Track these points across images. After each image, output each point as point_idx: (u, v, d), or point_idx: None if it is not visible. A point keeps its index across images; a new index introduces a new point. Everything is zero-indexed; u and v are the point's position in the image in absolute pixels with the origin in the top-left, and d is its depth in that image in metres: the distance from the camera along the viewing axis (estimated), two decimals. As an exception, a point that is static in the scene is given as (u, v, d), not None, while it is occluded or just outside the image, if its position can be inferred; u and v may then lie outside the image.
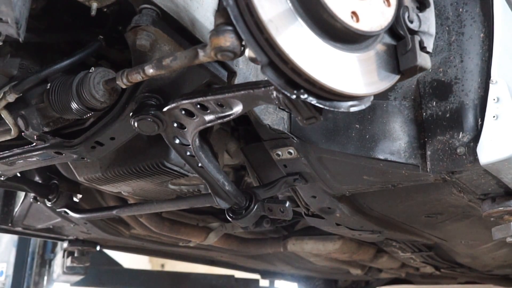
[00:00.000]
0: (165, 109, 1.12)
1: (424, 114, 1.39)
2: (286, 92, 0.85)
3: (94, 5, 1.00)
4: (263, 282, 5.36)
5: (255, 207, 1.54)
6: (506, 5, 1.38)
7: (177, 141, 1.25)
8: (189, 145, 1.24)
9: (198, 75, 1.15)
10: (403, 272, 3.93)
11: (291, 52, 0.80)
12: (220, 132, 1.67)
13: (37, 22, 1.18)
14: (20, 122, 1.19)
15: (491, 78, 1.30)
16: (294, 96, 0.85)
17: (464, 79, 1.34)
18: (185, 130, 1.19)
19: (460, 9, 1.37)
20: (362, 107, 0.93)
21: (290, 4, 0.83)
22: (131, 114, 1.14)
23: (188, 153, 1.30)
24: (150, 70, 0.97)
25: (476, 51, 1.34)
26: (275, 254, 3.47)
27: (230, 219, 1.56)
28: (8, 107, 1.19)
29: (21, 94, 1.15)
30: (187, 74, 1.13)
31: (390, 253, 2.99)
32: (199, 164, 1.34)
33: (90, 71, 1.09)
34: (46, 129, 1.22)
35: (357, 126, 1.44)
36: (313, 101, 0.86)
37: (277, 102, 0.97)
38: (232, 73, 1.20)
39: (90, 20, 1.05)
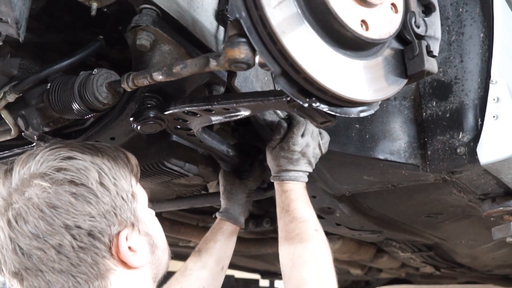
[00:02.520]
0: (167, 113, 1.13)
1: (424, 114, 1.39)
2: (298, 101, 0.87)
3: (94, 5, 0.99)
4: (263, 282, 5.36)
5: (258, 165, 1.55)
6: (506, 5, 1.38)
7: (179, 126, 1.25)
8: (192, 130, 1.25)
9: (199, 75, 1.15)
10: (403, 272, 3.93)
11: (304, 62, 0.82)
12: (220, 132, 1.67)
13: (37, 22, 1.18)
14: (20, 122, 1.19)
15: (491, 78, 1.30)
16: (306, 105, 0.87)
17: (464, 79, 1.34)
18: (188, 122, 1.20)
19: (460, 9, 1.37)
20: (372, 111, 0.95)
21: (301, 15, 0.84)
22: (132, 118, 1.14)
23: (188, 134, 1.30)
24: (159, 77, 0.96)
25: (476, 51, 1.35)
26: (275, 254, 3.46)
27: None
28: (8, 107, 1.18)
29: (21, 94, 1.15)
30: (188, 74, 1.13)
31: (390, 253, 2.99)
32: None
33: (93, 72, 1.08)
34: (46, 129, 1.22)
35: (357, 126, 1.44)
36: (325, 108, 0.89)
37: (289, 110, 0.99)
38: (232, 73, 1.20)
39: (90, 20, 1.05)
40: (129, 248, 0.94)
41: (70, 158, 0.92)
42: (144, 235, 0.98)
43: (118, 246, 0.92)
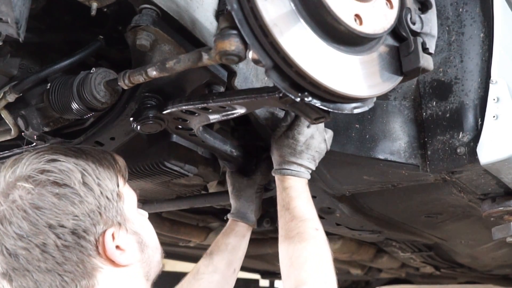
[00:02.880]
0: (164, 112, 1.13)
1: (424, 114, 1.39)
2: (290, 95, 0.86)
3: (94, 5, 0.99)
4: (263, 282, 5.36)
5: (264, 161, 1.54)
6: (506, 5, 1.38)
7: (180, 126, 1.25)
8: (193, 130, 1.25)
9: (198, 75, 1.15)
10: (403, 272, 3.93)
11: (296, 56, 0.81)
12: (220, 132, 1.68)
13: (37, 22, 1.18)
14: (20, 122, 1.19)
15: (491, 78, 1.30)
16: (298, 99, 0.86)
17: (464, 79, 1.34)
18: (188, 122, 1.20)
19: (460, 9, 1.37)
20: (366, 108, 0.94)
21: (294, 8, 0.83)
22: (131, 118, 1.14)
23: (190, 134, 1.30)
24: (153, 73, 0.97)
25: (476, 51, 1.34)
26: (275, 254, 3.47)
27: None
28: (8, 107, 1.18)
29: (21, 94, 1.15)
30: (187, 74, 1.13)
31: (390, 253, 2.99)
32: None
33: (91, 71, 1.08)
34: (46, 129, 1.22)
35: (357, 126, 1.44)
36: (317, 103, 0.88)
37: (282, 106, 0.98)
38: (232, 73, 1.20)
39: (90, 20, 1.05)
40: (117, 246, 0.96)
41: (53, 160, 0.95)
42: (132, 234, 1.00)
43: (104, 244, 0.94)
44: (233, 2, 0.79)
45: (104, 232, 0.94)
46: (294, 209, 1.26)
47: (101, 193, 0.95)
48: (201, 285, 1.41)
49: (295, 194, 1.28)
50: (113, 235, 0.95)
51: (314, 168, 1.35)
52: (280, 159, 1.32)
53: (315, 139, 1.31)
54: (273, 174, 1.35)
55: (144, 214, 1.11)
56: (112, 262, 0.95)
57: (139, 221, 1.05)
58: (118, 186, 1.01)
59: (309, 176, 1.33)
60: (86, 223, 0.92)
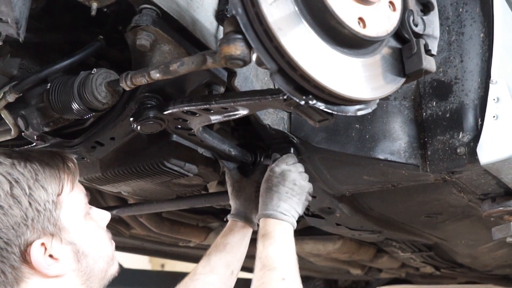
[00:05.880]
0: (166, 113, 1.13)
1: (424, 114, 1.39)
2: (295, 98, 0.87)
3: (94, 5, 0.99)
4: (263, 282, 5.35)
5: (262, 159, 1.54)
6: (506, 5, 1.38)
7: (179, 126, 1.25)
8: (192, 129, 1.25)
9: (199, 75, 1.15)
10: (403, 272, 3.93)
11: (300, 59, 0.82)
12: (220, 132, 1.68)
13: (37, 22, 1.18)
14: (20, 122, 1.19)
15: (491, 78, 1.30)
16: (303, 102, 0.87)
17: (464, 79, 1.34)
18: (188, 122, 1.20)
19: (460, 9, 1.37)
20: (369, 110, 0.94)
21: (298, 12, 0.84)
22: (132, 118, 1.14)
23: (189, 133, 1.30)
24: (156, 75, 0.97)
25: (476, 51, 1.34)
26: (275, 254, 3.47)
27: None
28: (8, 107, 1.18)
29: (21, 94, 1.15)
30: (188, 74, 1.13)
31: (390, 253, 2.98)
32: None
33: (92, 72, 1.08)
34: (46, 129, 1.22)
35: (357, 126, 1.44)
36: (322, 106, 0.88)
37: (286, 109, 0.98)
38: (232, 73, 1.20)
39: (90, 20, 1.05)
40: (50, 256, 0.97)
41: None
42: (67, 244, 1.00)
43: (31, 255, 0.94)
44: (237, 7, 0.79)
45: (31, 243, 0.95)
46: (264, 258, 1.22)
47: (30, 204, 0.95)
48: (196, 286, 1.39)
49: (268, 242, 1.25)
50: (44, 245, 0.96)
51: (297, 208, 1.32)
52: (261, 199, 1.32)
53: (292, 172, 1.32)
54: (258, 224, 1.34)
55: (99, 218, 1.11)
56: (40, 272, 0.96)
57: (80, 229, 1.04)
58: (59, 194, 1.00)
59: (291, 220, 1.30)
60: (8, 235, 0.93)
